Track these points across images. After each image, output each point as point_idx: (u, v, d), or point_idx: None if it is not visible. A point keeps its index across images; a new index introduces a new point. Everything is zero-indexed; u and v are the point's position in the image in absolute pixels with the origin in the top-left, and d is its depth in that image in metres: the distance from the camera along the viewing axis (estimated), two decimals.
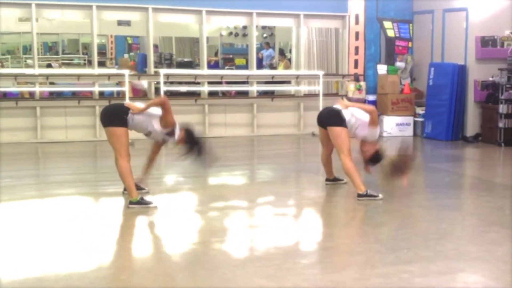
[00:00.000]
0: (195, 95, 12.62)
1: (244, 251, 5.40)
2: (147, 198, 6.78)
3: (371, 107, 7.38)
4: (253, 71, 12.76)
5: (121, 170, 6.60)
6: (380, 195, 7.07)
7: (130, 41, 19.22)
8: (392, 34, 13.20)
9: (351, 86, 12.90)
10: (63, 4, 11.27)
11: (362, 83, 12.99)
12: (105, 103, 11.53)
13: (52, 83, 12.02)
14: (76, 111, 11.51)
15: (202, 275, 4.75)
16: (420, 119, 12.66)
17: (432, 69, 12.36)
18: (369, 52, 13.04)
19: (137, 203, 6.59)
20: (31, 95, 11.82)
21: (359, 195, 7.07)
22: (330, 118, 7.29)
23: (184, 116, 11.02)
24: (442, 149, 11.28)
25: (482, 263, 5.03)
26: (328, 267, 5.00)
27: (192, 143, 6.66)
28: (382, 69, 13.14)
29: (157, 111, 6.58)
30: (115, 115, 6.60)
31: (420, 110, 12.74)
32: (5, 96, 11.69)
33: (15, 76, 11.58)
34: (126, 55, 18.16)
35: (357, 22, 13.04)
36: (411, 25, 13.27)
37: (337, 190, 7.82)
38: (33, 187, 7.95)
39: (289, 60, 15.42)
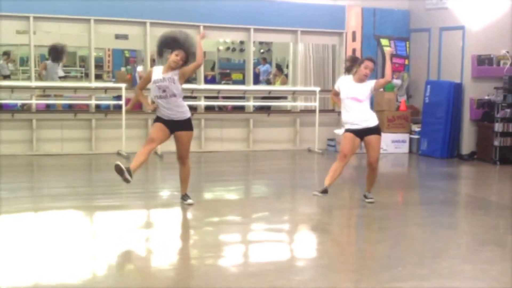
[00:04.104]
0: (191, 109, 12.51)
1: (238, 267, 5.37)
2: None
3: None
4: (250, 86, 12.76)
5: None
6: (318, 194, 7.37)
7: (127, 55, 19.22)
8: None
9: None
10: (61, 17, 11.27)
11: None
12: (102, 116, 11.60)
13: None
14: (72, 124, 11.48)
15: None
16: (416, 137, 12.69)
17: (428, 86, 12.40)
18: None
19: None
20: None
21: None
22: None
23: None
24: (438, 166, 11.28)
25: (476, 282, 5.02)
26: (322, 284, 4.97)
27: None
28: None
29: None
30: None
31: (416, 128, 12.78)
32: (1, 108, 11.66)
33: (12, 88, 11.56)
34: (123, 69, 18.15)
35: (354, 39, 13.10)
36: (407, 42, 13.34)
37: (332, 206, 7.82)
38: (27, 200, 7.91)
39: (286, 75, 15.45)
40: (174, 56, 6.96)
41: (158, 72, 7.06)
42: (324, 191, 7.37)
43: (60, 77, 13.39)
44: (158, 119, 7.18)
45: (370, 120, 7.50)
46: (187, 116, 7.20)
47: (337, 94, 7.74)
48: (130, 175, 6.69)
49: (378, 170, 7.68)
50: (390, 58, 8.02)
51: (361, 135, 7.51)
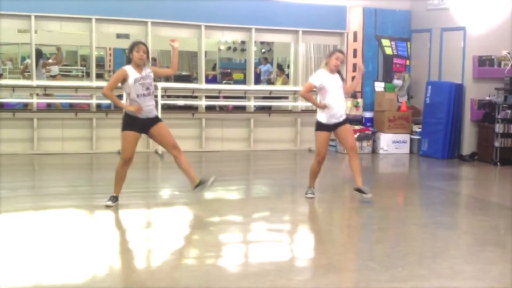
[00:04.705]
0: (192, 109, 12.63)
1: (238, 267, 5.37)
2: None
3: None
4: (251, 86, 12.77)
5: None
6: (310, 195, 7.88)
7: None
8: (390, 51, 13.27)
9: (348, 103, 12.90)
10: (62, 16, 11.28)
11: (360, 100, 13.03)
12: (102, 115, 11.61)
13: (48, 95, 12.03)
14: (73, 123, 11.50)
15: None
16: (417, 137, 12.69)
17: (429, 87, 12.40)
18: (367, 69, 13.05)
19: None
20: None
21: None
22: None
23: (181, 130, 11.08)
24: (438, 167, 11.28)
25: (476, 283, 5.02)
26: (323, 284, 4.97)
27: None
28: (379, 86, 13.19)
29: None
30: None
31: (416, 128, 12.78)
32: (2, 107, 11.67)
33: (13, 87, 11.57)
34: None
35: (355, 39, 13.10)
36: (409, 43, 13.34)
37: (333, 206, 7.82)
38: (28, 199, 7.91)
39: (287, 75, 15.46)
40: (136, 54, 6.93)
41: (133, 72, 6.97)
42: (311, 193, 7.92)
43: (52, 76, 13.43)
44: (129, 125, 7.03)
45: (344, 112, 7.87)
46: (156, 112, 7.30)
47: (311, 90, 7.81)
48: (117, 198, 7.19)
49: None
50: (361, 73, 8.27)
51: (333, 128, 7.72)
